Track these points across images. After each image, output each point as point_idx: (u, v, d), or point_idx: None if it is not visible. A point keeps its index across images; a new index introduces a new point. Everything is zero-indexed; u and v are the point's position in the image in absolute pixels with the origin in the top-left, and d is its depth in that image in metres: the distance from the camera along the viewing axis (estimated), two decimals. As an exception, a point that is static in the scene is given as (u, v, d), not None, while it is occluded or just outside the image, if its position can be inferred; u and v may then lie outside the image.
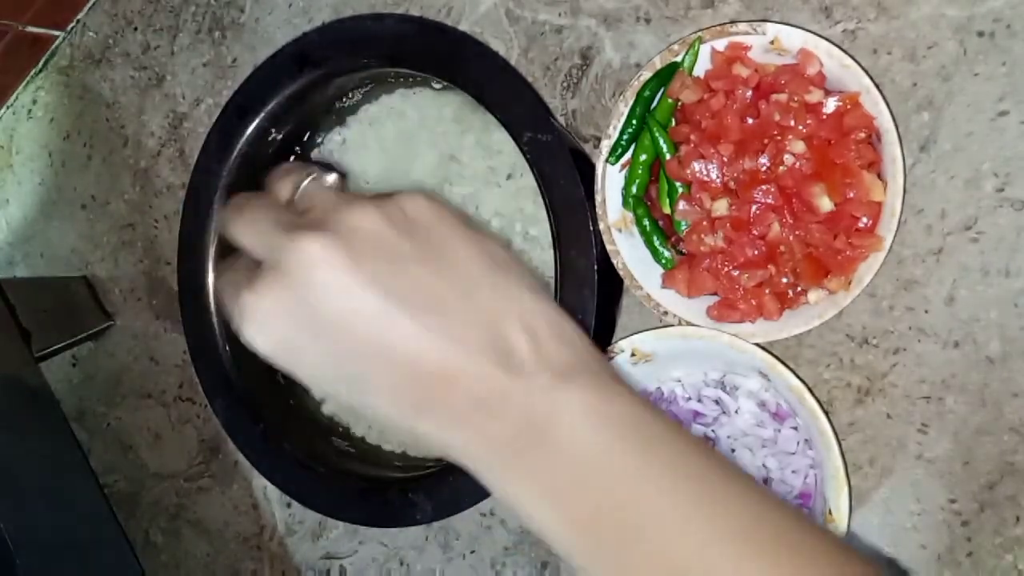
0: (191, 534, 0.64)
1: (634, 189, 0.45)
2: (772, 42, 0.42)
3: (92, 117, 0.66)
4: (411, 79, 0.52)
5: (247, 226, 0.36)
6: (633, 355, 0.44)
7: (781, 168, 0.41)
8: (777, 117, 0.41)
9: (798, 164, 0.41)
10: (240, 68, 0.60)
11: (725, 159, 0.42)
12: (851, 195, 0.40)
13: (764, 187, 0.41)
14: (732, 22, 0.43)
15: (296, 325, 0.33)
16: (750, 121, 0.42)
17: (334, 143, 0.55)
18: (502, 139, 0.48)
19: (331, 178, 0.38)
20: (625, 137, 0.45)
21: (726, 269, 0.42)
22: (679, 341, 0.43)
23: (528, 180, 0.46)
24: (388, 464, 0.53)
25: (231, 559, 0.62)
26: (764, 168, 0.41)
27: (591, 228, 0.43)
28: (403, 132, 0.52)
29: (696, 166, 0.42)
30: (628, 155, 0.45)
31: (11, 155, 0.69)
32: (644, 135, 0.45)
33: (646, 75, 0.44)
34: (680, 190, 0.44)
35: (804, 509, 0.43)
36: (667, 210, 0.44)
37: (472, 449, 0.33)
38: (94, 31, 0.65)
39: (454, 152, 0.51)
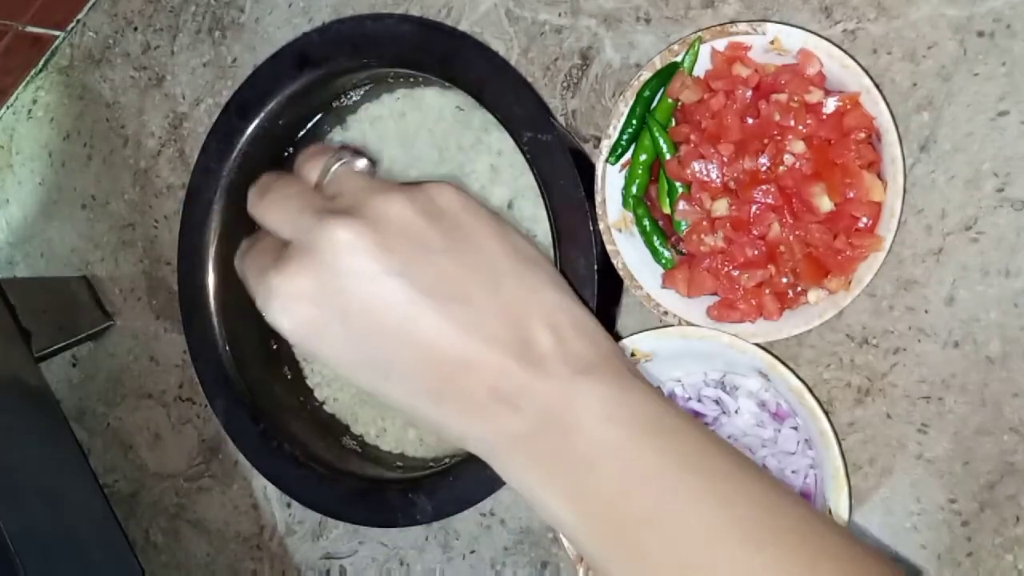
0: (191, 534, 0.64)
1: (634, 189, 0.45)
2: (772, 42, 0.42)
3: (92, 117, 0.66)
4: (411, 79, 0.52)
5: (274, 206, 0.36)
6: (633, 355, 0.44)
7: (781, 168, 0.41)
8: (777, 117, 0.41)
9: (798, 164, 0.41)
10: (240, 68, 0.60)
11: (725, 159, 0.42)
12: (851, 195, 0.40)
13: (764, 187, 0.41)
14: (732, 22, 0.43)
15: (322, 308, 0.33)
16: (750, 121, 0.42)
17: (334, 143, 0.55)
18: (502, 139, 0.48)
19: (361, 164, 0.38)
20: (625, 137, 0.45)
21: (726, 269, 0.42)
22: (679, 341, 0.43)
23: (528, 180, 0.46)
24: (388, 464, 0.53)
25: (231, 559, 0.62)
26: (764, 168, 0.41)
27: (591, 228, 0.43)
28: (403, 132, 0.52)
29: (696, 166, 0.42)
30: (628, 155, 0.45)
31: (11, 155, 0.69)
32: (644, 135, 0.45)
33: (646, 75, 0.44)
34: (680, 190, 0.44)
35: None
36: (667, 210, 0.44)
37: (490, 441, 0.33)
38: (94, 31, 0.65)
39: (453, 152, 0.51)
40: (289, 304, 0.34)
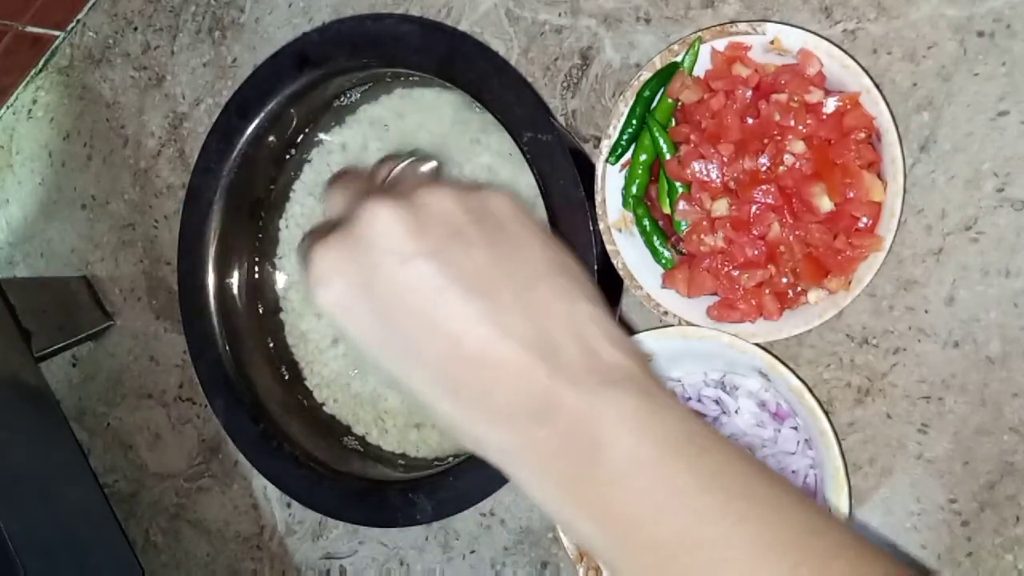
0: (191, 534, 0.64)
1: (634, 189, 0.45)
2: (772, 42, 0.42)
3: (92, 117, 0.66)
4: (411, 79, 0.52)
5: (337, 191, 0.37)
6: (633, 355, 0.44)
7: (781, 168, 0.41)
8: (777, 117, 0.41)
9: (798, 164, 0.41)
10: (240, 68, 0.60)
11: (725, 159, 0.42)
12: (851, 195, 0.40)
13: (764, 187, 0.41)
14: (732, 22, 0.43)
15: (353, 284, 0.33)
16: (750, 121, 0.42)
17: (333, 143, 0.55)
18: (502, 139, 0.48)
19: (427, 166, 0.41)
20: (625, 137, 0.45)
21: (726, 269, 0.42)
22: (679, 341, 0.43)
23: (528, 180, 0.46)
24: (388, 464, 0.53)
25: (231, 559, 0.62)
26: (764, 168, 0.41)
27: (591, 228, 0.43)
28: (403, 132, 0.52)
29: (696, 166, 0.42)
30: (628, 155, 0.45)
31: (11, 155, 0.69)
32: (644, 135, 0.45)
33: (646, 75, 0.44)
34: (680, 190, 0.44)
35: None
36: (667, 210, 0.44)
37: (510, 451, 0.32)
38: (94, 31, 0.65)
39: (453, 152, 0.51)
40: (324, 278, 0.34)
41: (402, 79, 0.52)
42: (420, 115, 0.52)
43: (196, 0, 0.61)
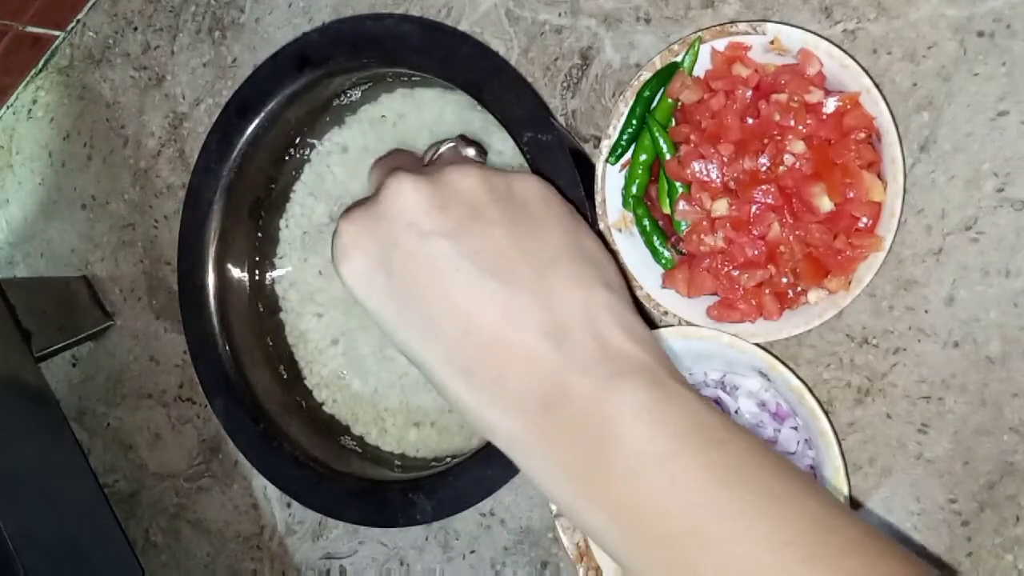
0: (191, 534, 0.64)
1: (634, 189, 0.45)
2: (772, 42, 0.42)
3: (92, 117, 0.66)
4: (411, 79, 0.52)
5: (377, 168, 0.38)
6: (633, 355, 0.44)
7: (781, 168, 0.41)
8: (777, 117, 0.41)
9: (798, 164, 0.41)
10: (240, 68, 0.60)
11: (725, 159, 0.42)
12: (851, 195, 0.40)
13: (764, 187, 0.41)
14: (732, 22, 0.43)
15: (372, 258, 0.33)
16: (750, 121, 0.42)
17: (334, 143, 0.55)
18: (502, 139, 0.48)
19: (470, 150, 0.41)
20: (625, 137, 0.45)
21: (726, 269, 0.42)
22: (679, 341, 0.43)
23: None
24: (388, 464, 0.53)
25: (231, 559, 0.62)
26: (764, 168, 0.41)
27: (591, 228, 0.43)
28: (403, 132, 0.52)
29: (696, 166, 0.42)
30: (628, 155, 0.45)
31: (11, 155, 0.69)
32: (644, 135, 0.45)
33: (646, 75, 0.44)
34: (680, 190, 0.44)
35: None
36: (667, 210, 0.44)
37: (518, 439, 0.31)
38: (94, 31, 0.65)
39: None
40: (346, 251, 0.34)
41: (403, 79, 0.52)
42: (421, 115, 0.52)
43: (196, 0, 0.61)
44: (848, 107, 0.41)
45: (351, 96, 0.53)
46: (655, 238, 0.45)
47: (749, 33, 0.42)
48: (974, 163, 0.43)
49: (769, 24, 0.42)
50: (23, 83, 0.67)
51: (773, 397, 0.44)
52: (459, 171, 0.34)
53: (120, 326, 0.66)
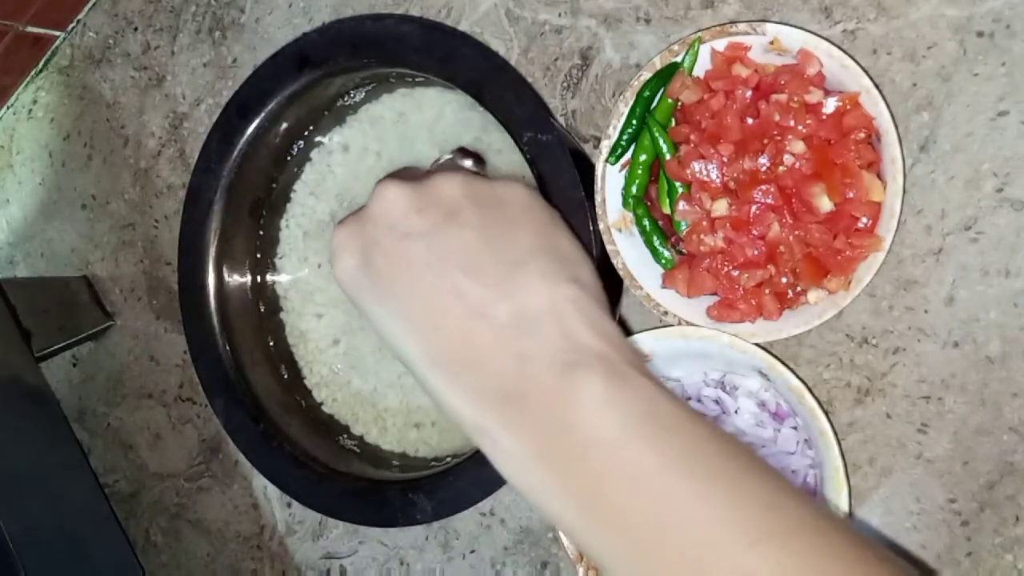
0: (191, 534, 0.64)
1: (634, 189, 0.45)
2: (772, 42, 0.42)
3: (92, 117, 0.66)
4: (411, 79, 0.52)
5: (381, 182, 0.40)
6: (633, 355, 0.44)
7: (781, 168, 0.41)
8: (777, 117, 0.41)
9: (798, 164, 0.41)
10: (240, 68, 0.60)
11: (725, 159, 0.42)
12: (851, 195, 0.40)
13: (764, 187, 0.41)
14: (732, 22, 0.43)
15: (358, 258, 0.36)
16: (750, 121, 0.42)
17: (334, 143, 0.55)
18: (502, 139, 0.48)
19: (467, 161, 0.43)
20: (625, 137, 0.45)
21: (726, 269, 0.42)
22: (679, 341, 0.43)
23: (528, 180, 0.46)
24: (388, 464, 0.53)
25: (231, 559, 0.62)
26: (764, 168, 0.41)
27: (591, 228, 0.43)
28: (403, 132, 0.52)
29: (696, 166, 0.42)
30: (628, 155, 0.45)
31: (11, 155, 0.69)
32: (644, 135, 0.45)
33: (646, 75, 0.44)
34: (680, 190, 0.44)
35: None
36: (667, 210, 0.44)
37: (486, 429, 0.33)
38: (94, 31, 0.65)
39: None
40: (337, 254, 0.37)
41: (403, 79, 0.52)
42: (421, 115, 0.52)
43: (196, 0, 0.61)
44: (848, 107, 0.41)
45: (352, 96, 0.53)
46: (655, 238, 0.45)
47: (749, 33, 0.42)
48: (974, 163, 0.43)
49: (769, 24, 0.42)
50: (23, 83, 0.67)
51: (773, 397, 0.44)
52: (443, 177, 0.37)
53: (120, 326, 0.66)
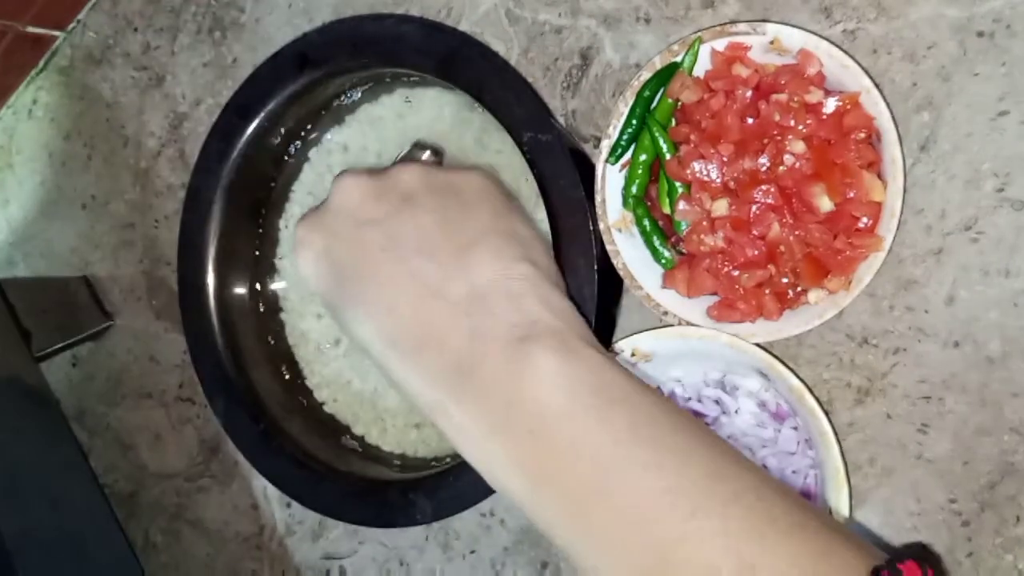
0: (191, 534, 0.64)
1: (634, 189, 0.45)
2: (772, 42, 0.42)
3: (92, 117, 0.66)
4: (411, 79, 0.52)
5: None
6: (633, 355, 0.44)
7: (781, 168, 0.41)
8: (777, 117, 0.41)
9: (798, 164, 0.41)
10: (240, 68, 0.60)
11: (725, 159, 0.42)
12: (851, 195, 0.41)
13: (764, 187, 0.41)
14: (732, 22, 0.43)
15: (318, 250, 0.37)
16: (750, 121, 0.42)
17: (334, 143, 0.55)
18: (502, 139, 0.48)
19: (424, 153, 0.45)
20: (625, 137, 0.45)
21: (726, 269, 0.42)
22: (679, 341, 0.43)
23: (528, 180, 0.46)
24: (388, 464, 0.53)
25: (231, 559, 0.62)
26: (764, 168, 0.41)
27: (591, 228, 0.43)
28: (403, 132, 0.52)
29: (696, 166, 0.42)
30: (628, 155, 0.45)
31: (11, 155, 0.69)
32: (644, 135, 0.45)
33: (646, 75, 0.44)
34: (680, 190, 0.44)
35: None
36: (667, 210, 0.44)
37: (439, 408, 0.33)
38: (94, 31, 0.65)
39: (454, 152, 0.51)
40: (298, 246, 0.37)
41: (403, 79, 0.52)
42: (421, 115, 0.52)
43: (196, 0, 0.61)
44: (848, 107, 0.41)
45: (352, 96, 0.53)
46: (655, 238, 0.45)
47: (749, 33, 0.42)
48: (974, 163, 0.43)
49: (769, 24, 0.42)
50: (23, 83, 0.67)
51: (773, 397, 0.44)
52: (401, 167, 0.38)
53: (120, 326, 0.66)
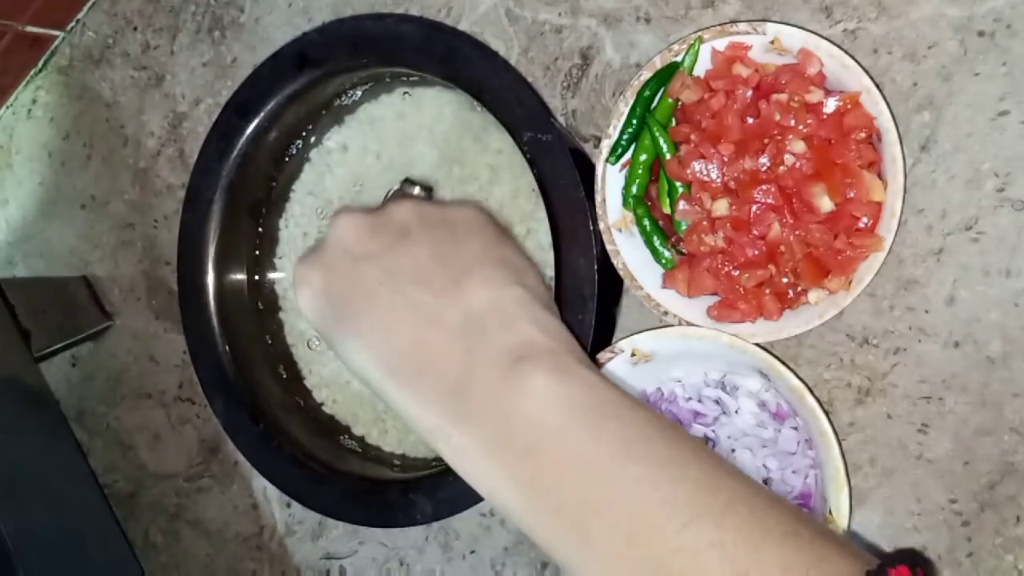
0: (191, 534, 0.64)
1: (634, 189, 0.45)
2: (772, 42, 0.42)
3: (92, 117, 0.66)
4: (411, 79, 0.52)
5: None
6: (633, 355, 0.44)
7: (781, 168, 0.41)
8: (777, 117, 0.41)
9: (798, 164, 0.41)
10: (240, 68, 0.60)
11: (725, 159, 0.42)
12: (851, 195, 0.40)
13: (764, 187, 0.41)
14: (732, 22, 0.43)
15: (317, 287, 0.38)
16: (750, 121, 0.42)
17: (334, 143, 0.55)
18: (502, 139, 0.48)
19: (415, 189, 0.47)
20: (625, 137, 0.45)
21: (726, 269, 0.42)
22: (679, 341, 0.43)
23: (528, 179, 0.46)
24: (388, 464, 0.53)
25: (231, 559, 0.62)
26: (764, 168, 0.41)
27: (591, 228, 0.43)
28: (403, 132, 0.52)
29: (696, 166, 0.42)
30: (628, 155, 0.45)
31: (11, 155, 0.69)
32: (644, 135, 0.45)
33: (646, 75, 0.44)
34: (680, 190, 0.44)
35: (804, 509, 0.43)
36: (667, 210, 0.44)
37: (437, 432, 0.34)
38: (94, 31, 0.65)
39: (454, 152, 0.51)
40: (298, 284, 0.38)
41: (403, 79, 0.52)
42: (421, 114, 0.52)
43: (196, 0, 0.61)
44: (848, 107, 0.41)
45: (352, 96, 0.53)
46: (655, 238, 0.45)
47: (749, 33, 0.42)
48: (975, 163, 0.43)
49: (769, 24, 0.42)
50: (23, 83, 0.67)
51: (773, 397, 0.44)
52: (394, 204, 0.39)
53: (120, 326, 0.66)
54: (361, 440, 0.54)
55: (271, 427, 0.52)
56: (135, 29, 0.64)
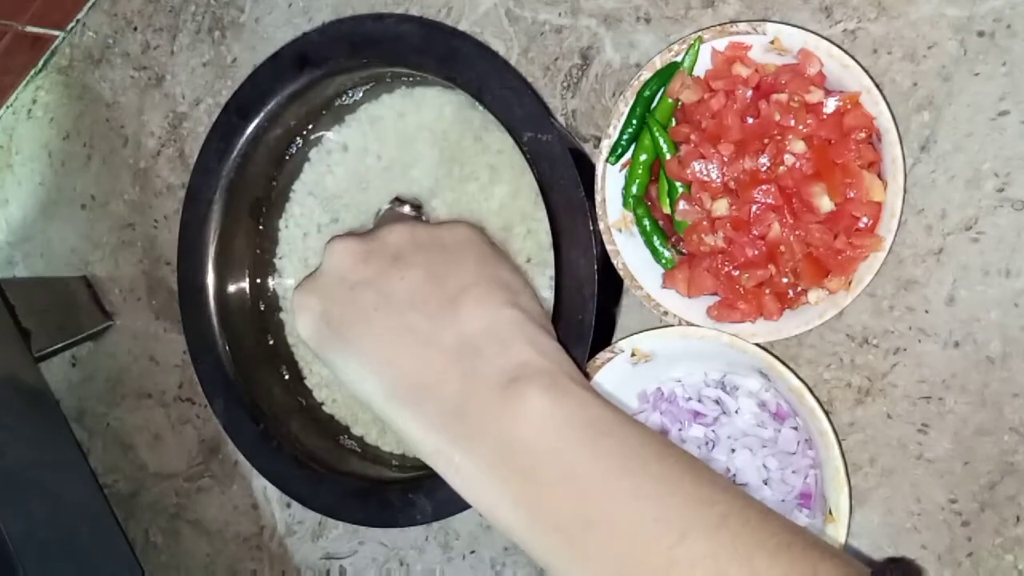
0: (191, 534, 0.64)
1: (634, 189, 0.45)
2: (772, 42, 0.42)
3: (92, 117, 0.66)
4: (411, 78, 0.52)
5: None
6: (633, 355, 0.44)
7: (781, 168, 0.41)
8: (777, 117, 0.41)
9: (798, 164, 0.41)
10: (240, 68, 0.60)
11: (725, 159, 0.42)
12: (851, 195, 0.40)
13: (764, 187, 0.41)
14: (732, 22, 0.43)
15: (316, 315, 0.38)
16: (750, 121, 0.42)
17: (334, 143, 0.55)
18: (502, 139, 0.48)
19: (405, 208, 0.47)
20: (625, 137, 0.45)
21: (726, 269, 0.42)
22: (679, 341, 0.43)
23: (528, 179, 0.46)
24: (388, 464, 0.53)
25: (231, 559, 0.62)
26: (764, 168, 0.41)
27: (591, 228, 0.43)
28: (403, 132, 0.52)
29: (696, 166, 0.42)
30: (628, 155, 0.45)
31: (11, 155, 0.69)
32: (644, 135, 0.45)
33: (646, 75, 0.44)
34: (680, 190, 0.44)
35: (804, 509, 0.43)
36: (667, 210, 0.44)
37: (436, 454, 0.35)
38: (94, 31, 0.65)
39: (454, 152, 0.51)
40: (298, 312, 0.39)
41: (403, 78, 0.52)
42: (421, 114, 0.52)
43: (196, 0, 0.61)
44: (848, 107, 0.41)
45: (352, 96, 0.53)
46: (655, 238, 0.45)
47: (749, 33, 0.42)
48: (974, 163, 0.43)
49: (769, 24, 0.42)
50: (23, 83, 0.67)
51: (773, 397, 0.44)
52: (387, 227, 0.40)
53: (120, 326, 0.66)
54: (360, 440, 0.54)
55: (271, 427, 0.52)
56: (135, 29, 0.64)
